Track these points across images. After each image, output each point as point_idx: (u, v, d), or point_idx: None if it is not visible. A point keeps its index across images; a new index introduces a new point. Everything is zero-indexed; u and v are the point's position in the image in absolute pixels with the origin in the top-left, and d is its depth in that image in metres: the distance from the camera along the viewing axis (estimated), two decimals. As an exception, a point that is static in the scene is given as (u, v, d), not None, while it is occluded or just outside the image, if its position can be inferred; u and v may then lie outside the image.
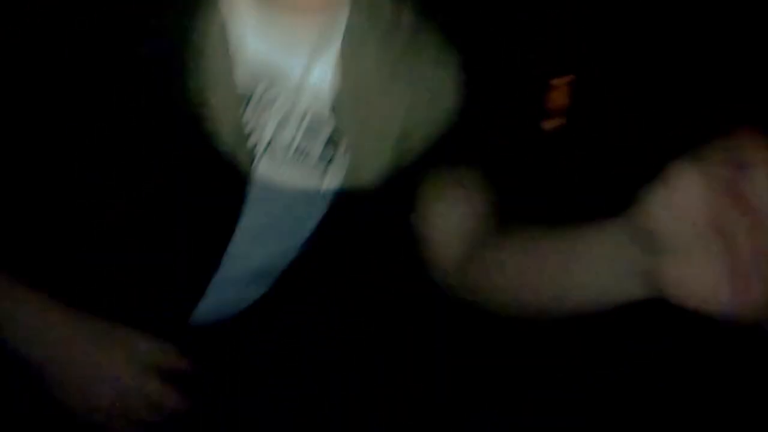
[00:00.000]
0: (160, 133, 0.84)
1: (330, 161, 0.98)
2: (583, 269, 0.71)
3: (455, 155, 1.04)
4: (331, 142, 0.97)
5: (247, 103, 0.92)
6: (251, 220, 0.95)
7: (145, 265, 0.94)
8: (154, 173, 0.89)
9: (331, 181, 0.98)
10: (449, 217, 1.04)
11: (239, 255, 0.98)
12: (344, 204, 1.01)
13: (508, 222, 1.01)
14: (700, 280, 0.51)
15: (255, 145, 0.95)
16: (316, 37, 0.99)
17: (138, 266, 0.94)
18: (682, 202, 0.52)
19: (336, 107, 0.96)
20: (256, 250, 1.01)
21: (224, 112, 0.89)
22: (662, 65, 2.34)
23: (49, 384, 0.91)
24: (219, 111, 0.89)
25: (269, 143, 0.98)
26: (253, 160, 0.94)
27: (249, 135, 0.93)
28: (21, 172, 0.87)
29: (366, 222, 1.11)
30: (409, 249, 1.08)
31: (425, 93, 1.00)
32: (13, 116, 0.81)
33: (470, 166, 1.01)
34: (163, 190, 0.89)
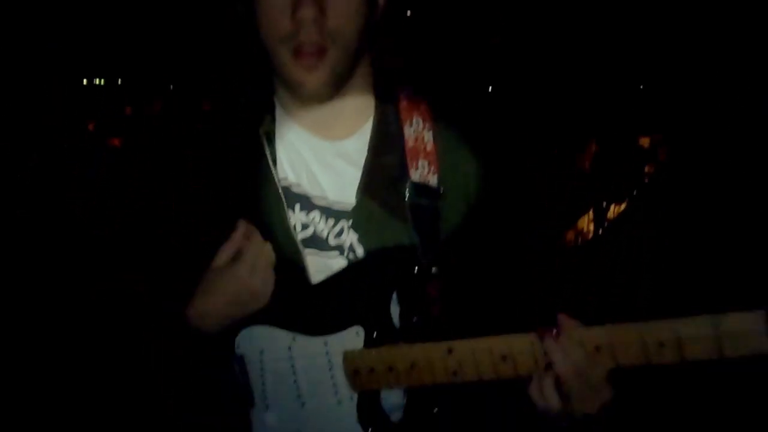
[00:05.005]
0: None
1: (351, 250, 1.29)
2: None
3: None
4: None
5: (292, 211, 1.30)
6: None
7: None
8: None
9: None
10: None
11: None
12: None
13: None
14: None
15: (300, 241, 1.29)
16: (341, 162, 1.30)
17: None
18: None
19: (354, 222, 1.28)
20: None
21: (278, 226, 1.27)
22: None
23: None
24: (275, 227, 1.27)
25: (311, 238, 1.29)
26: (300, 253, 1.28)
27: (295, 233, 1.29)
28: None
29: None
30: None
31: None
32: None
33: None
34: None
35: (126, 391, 1.32)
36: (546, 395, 1.10)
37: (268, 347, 1.26)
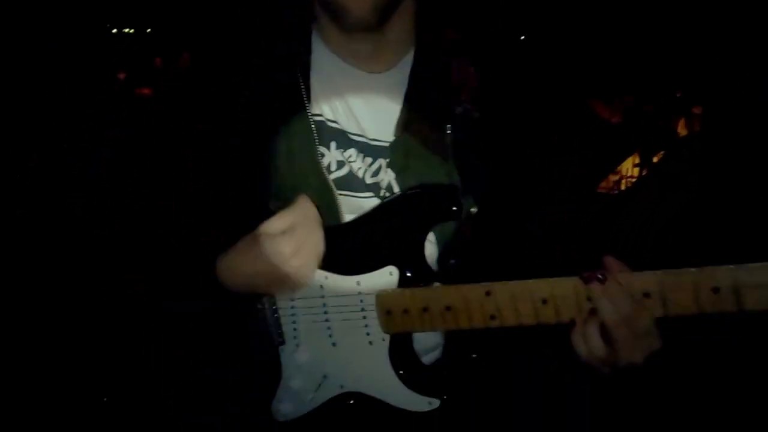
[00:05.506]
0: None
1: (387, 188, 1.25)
2: None
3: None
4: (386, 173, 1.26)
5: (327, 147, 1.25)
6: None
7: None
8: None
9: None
10: None
11: None
12: None
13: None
14: None
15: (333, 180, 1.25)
16: (381, 97, 1.25)
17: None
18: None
19: (392, 160, 1.24)
20: None
21: (311, 168, 1.24)
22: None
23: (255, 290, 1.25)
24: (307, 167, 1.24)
25: (345, 178, 1.26)
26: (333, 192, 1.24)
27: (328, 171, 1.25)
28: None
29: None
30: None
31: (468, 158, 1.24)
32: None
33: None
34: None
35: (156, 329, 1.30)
36: (590, 342, 1.06)
37: None
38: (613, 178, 5.02)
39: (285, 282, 1.17)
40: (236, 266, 1.19)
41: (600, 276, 1.03)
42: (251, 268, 1.16)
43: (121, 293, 1.31)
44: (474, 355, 1.26)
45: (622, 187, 4.93)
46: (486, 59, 1.28)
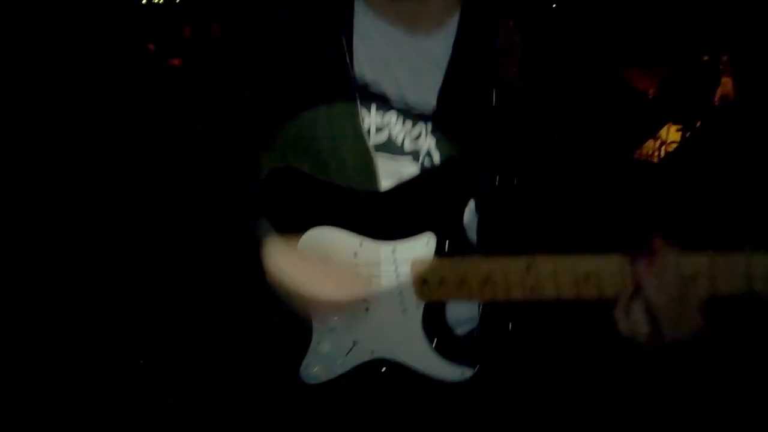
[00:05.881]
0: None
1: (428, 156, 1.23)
2: None
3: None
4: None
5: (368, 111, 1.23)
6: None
7: None
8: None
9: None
10: None
11: None
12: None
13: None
14: None
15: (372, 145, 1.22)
16: (424, 61, 1.23)
17: None
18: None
19: (434, 126, 1.21)
20: None
21: (348, 128, 1.21)
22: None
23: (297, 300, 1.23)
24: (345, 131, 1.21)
25: (384, 143, 1.24)
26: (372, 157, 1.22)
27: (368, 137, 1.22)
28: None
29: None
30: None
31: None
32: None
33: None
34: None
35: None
36: (634, 320, 1.05)
37: (333, 249, 1.24)
38: (653, 144, 4.91)
39: (308, 304, 1.20)
40: (277, 267, 1.20)
41: (649, 256, 1.02)
42: (289, 276, 1.19)
43: (121, 293, 1.32)
44: (511, 326, 1.26)
45: (662, 154, 4.79)
46: (533, 23, 1.25)
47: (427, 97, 1.22)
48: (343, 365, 1.26)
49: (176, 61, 5.85)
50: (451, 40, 1.23)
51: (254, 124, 1.26)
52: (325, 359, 1.27)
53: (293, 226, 1.25)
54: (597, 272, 1.06)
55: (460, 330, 1.28)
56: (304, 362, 1.28)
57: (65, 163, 4.26)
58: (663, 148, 4.86)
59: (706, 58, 5.44)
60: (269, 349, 1.30)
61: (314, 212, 1.24)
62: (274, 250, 1.21)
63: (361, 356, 1.26)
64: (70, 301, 2.84)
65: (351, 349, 1.25)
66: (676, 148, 4.50)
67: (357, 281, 1.22)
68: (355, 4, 1.25)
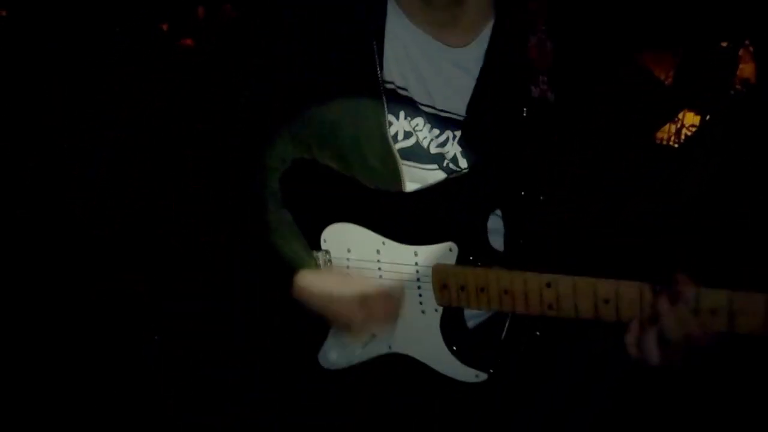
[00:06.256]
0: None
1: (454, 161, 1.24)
2: None
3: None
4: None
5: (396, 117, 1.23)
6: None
7: None
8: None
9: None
10: None
11: None
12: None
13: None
14: None
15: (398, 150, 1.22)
16: (455, 68, 1.22)
17: None
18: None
19: (462, 135, 1.22)
20: None
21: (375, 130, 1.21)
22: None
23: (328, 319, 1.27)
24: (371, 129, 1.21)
25: (410, 147, 1.24)
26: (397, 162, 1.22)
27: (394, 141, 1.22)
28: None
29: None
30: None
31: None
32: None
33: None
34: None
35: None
36: (645, 347, 1.06)
37: (355, 246, 1.26)
38: (673, 127, 4.85)
39: (327, 309, 1.22)
40: (308, 281, 1.24)
41: (670, 287, 1.03)
42: (319, 285, 1.22)
43: (121, 293, 1.32)
44: (538, 333, 1.27)
45: (682, 138, 4.75)
46: (566, 33, 1.24)
47: (456, 104, 1.22)
48: (360, 356, 1.29)
49: (189, 42, 5.83)
50: (483, 48, 1.22)
51: (256, 124, 1.26)
52: (343, 348, 1.29)
53: (316, 220, 1.26)
54: (616, 297, 1.07)
55: (471, 323, 1.29)
56: (324, 347, 1.31)
57: (65, 163, 4.26)
58: (684, 131, 4.83)
59: (724, 44, 5.38)
60: (288, 330, 1.32)
61: (337, 208, 1.26)
62: (302, 278, 1.24)
63: (378, 349, 1.28)
64: (70, 301, 2.84)
65: (368, 342, 1.27)
66: (680, 146, 4.48)
67: (386, 302, 1.24)
68: (389, 9, 1.24)
